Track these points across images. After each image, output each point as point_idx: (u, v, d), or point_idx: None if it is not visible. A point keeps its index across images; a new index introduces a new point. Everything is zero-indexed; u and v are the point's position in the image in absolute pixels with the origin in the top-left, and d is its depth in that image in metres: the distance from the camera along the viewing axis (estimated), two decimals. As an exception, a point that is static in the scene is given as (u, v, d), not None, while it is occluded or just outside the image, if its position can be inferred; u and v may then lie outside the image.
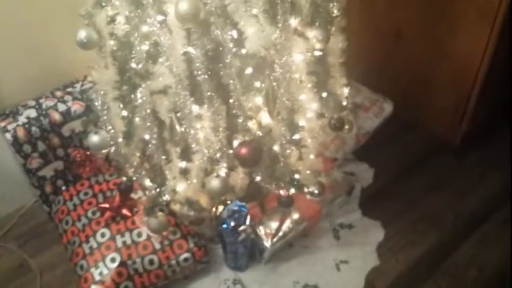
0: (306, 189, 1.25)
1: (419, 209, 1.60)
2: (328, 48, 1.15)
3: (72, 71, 1.53)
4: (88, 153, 1.51)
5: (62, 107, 1.44)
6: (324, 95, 1.21)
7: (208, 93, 1.02)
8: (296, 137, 1.16)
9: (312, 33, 1.07)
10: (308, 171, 1.23)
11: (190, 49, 0.99)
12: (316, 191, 1.25)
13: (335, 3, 1.11)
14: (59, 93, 1.49)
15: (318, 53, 1.11)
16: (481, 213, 1.58)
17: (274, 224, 1.40)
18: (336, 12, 1.12)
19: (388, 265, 1.45)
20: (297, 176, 1.24)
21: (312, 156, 1.23)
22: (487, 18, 1.44)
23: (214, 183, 1.10)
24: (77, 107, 1.45)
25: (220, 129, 1.07)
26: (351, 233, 1.54)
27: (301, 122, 1.16)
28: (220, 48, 0.98)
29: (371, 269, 1.43)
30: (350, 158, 1.75)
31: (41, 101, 1.46)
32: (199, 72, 1.00)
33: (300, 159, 1.21)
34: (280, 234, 1.40)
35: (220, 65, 1.01)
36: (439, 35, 1.61)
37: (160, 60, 1.04)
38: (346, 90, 1.28)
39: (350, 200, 1.62)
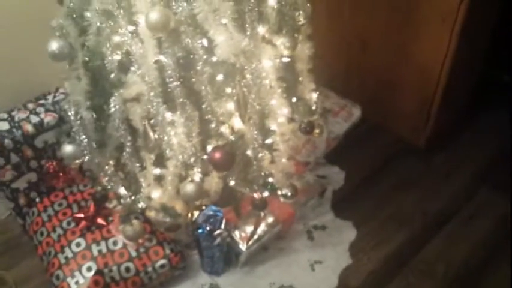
0: (279, 192, 1.29)
1: (389, 209, 1.66)
2: (296, 55, 1.20)
3: (44, 83, 1.53)
4: (61, 164, 1.51)
5: (34, 119, 1.44)
6: (294, 100, 1.26)
7: (181, 100, 1.04)
8: (268, 141, 1.20)
9: (280, 41, 1.11)
10: (280, 174, 1.26)
11: (162, 57, 1.02)
12: (289, 194, 1.28)
13: (301, 12, 1.16)
14: (31, 106, 1.49)
15: (286, 60, 1.15)
16: (446, 211, 1.65)
17: (249, 228, 1.43)
18: (302, 20, 1.16)
19: (360, 264, 1.49)
20: (270, 179, 1.28)
21: (284, 160, 1.27)
22: (447, 22, 1.51)
23: (189, 188, 1.11)
24: (49, 118, 1.45)
25: (194, 134, 1.09)
26: (324, 234, 1.58)
27: (273, 126, 1.20)
28: (191, 56, 1.01)
29: (344, 268, 1.48)
30: (321, 161, 1.80)
31: (13, 113, 1.45)
32: (171, 80, 1.02)
33: (273, 163, 1.24)
34: (256, 237, 1.43)
35: (192, 72, 1.04)
36: (402, 41, 1.69)
37: (133, 69, 1.06)
38: (314, 95, 1.32)
39: (322, 202, 1.66)
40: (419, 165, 1.83)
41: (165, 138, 1.11)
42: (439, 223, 1.61)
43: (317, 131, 1.41)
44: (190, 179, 1.13)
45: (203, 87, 1.04)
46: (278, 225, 1.48)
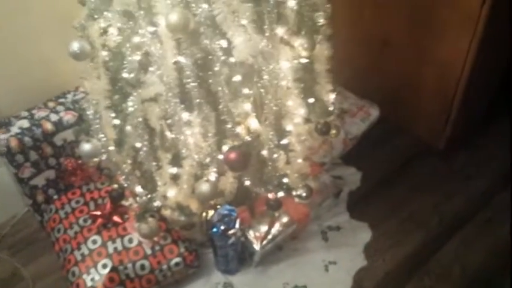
0: (294, 193, 1.29)
1: (405, 211, 1.64)
2: (314, 55, 1.20)
3: (64, 82, 1.55)
4: (80, 162, 1.53)
5: (54, 117, 1.46)
6: (311, 100, 1.25)
7: (198, 100, 1.05)
8: (284, 141, 1.20)
9: (298, 42, 1.11)
10: (296, 175, 1.26)
11: (181, 58, 1.03)
12: (304, 194, 1.29)
13: (321, 13, 1.16)
14: (51, 104, 1.51)
15: (304, 61, 1.15)
16: (464, 214, 1.63)
17: (263, 228, 1.43)
18: (321, 21, 1.16)
19: (375, 265, 1.48)
20: (285, 180, 1.28)
21: (299, 160, 1.27)
22: (469, 24, 1.49)
23: (204, 187, 1.12)
24: (69, 117, 1.47)
25: (210, 134, 1.10)
26: (339, 234, 1.57)
27: (289, 127, 1.20)
28: (210, 57, 1.02)
29: (359, 269, 1.47)
30: (338, 162, 1.79)
31: (34, 111, 1.48)
32: (189, 80, 1.03)
33: (288, 163, 1.25)
34: (270, 237, 1.43)
35: (210, 73, 1.04)
36: (423, 42, 1.66)
37: (151, 69, 1.07)
38: (332, 96, 1.32)
39: (338, 202, 1.66)
40: (438, 167, 1.80)
41: (182, 138, 1.12)
42: (456, 226, 1.59)
43: (333, 131, 1.40)
44: (205, 178, 1.14)
45: (220, 88, 1.04)
46: (292, 225, 1.48)
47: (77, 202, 1.49)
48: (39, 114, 1.47)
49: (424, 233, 1.57)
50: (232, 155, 1.09)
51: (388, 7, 1.72)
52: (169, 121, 1.12)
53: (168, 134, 1.16)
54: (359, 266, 1.48)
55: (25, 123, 1.43)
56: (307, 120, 1.28)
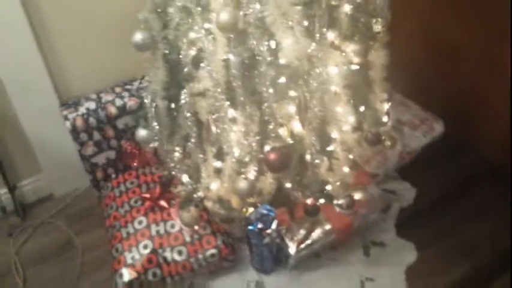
0: (335, 202, 1.27)
1: (457, 237, 1.54)
2: (369, 62, 1.17)
3: (133, 69, 1.64)
4: (138, 146, 1.62)
5: (119, 102, 1.56)
6: (362, 109, 1.23)
7: (242, 99, 1.08)
8: (328, 148, 1.19)
9: (350, 48, 1.09)
10: (338, 184, 1.24)
11: (230, 56, 1.05)
12: (345, 205, 1.26)
13: (378, 19, 1.13)
14: (118, 89, 1.61)
15: (355, 67, 1.13)
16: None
17: (302, 232, 1.42)
18: (378, 28, 1.13)
19: (415, 289, 1.42)
20: (327, 187, 1.26)
21: (344, 169, 1.24)
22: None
23: (242, 184, 1.15)
24: (132, 103, 1.56)
25: (252, 133, 1.12)
26: (382, 251, 1.52)
27: (334, 134, 1.18)
28: (257, 57, 1.03)
29: (397, 291, 1.41)
30: (393, 175, 1.73)
31: (101, 95, 1.59)
32: (236, 78, 1.05)
33: (331, 171, 1.23)
34: (308, 242, 1.42)
35: (256, 72, 1.06)
36: (497, 56, 1.56)
37: (202, 64, 1.11)
38: (386, 106, 1.28)
39: (386, 218, 1.60)
40: (502, 192, 1.67)
41: (225, 133, 1.15)
42: (508, 261, 1.47)
43: (388, 143, 1.36)
44: (244, 176, 1.16)
45: (265, 88, 1.06)
46: (332, 234, 1.45)
47: (132, 183, 1.57)
48: (106, 98, 1.57)
49: (475, 263, 1.47)
50: (272, 156, 1.09)
51: (465, 15, 1.63)
52: (215, 116, 1.16)
53: (214, 129, 1.20)
54: (397, 287, 1.42)
55: (92, 105, 1.54)
56: (356, 129, 1.26)
